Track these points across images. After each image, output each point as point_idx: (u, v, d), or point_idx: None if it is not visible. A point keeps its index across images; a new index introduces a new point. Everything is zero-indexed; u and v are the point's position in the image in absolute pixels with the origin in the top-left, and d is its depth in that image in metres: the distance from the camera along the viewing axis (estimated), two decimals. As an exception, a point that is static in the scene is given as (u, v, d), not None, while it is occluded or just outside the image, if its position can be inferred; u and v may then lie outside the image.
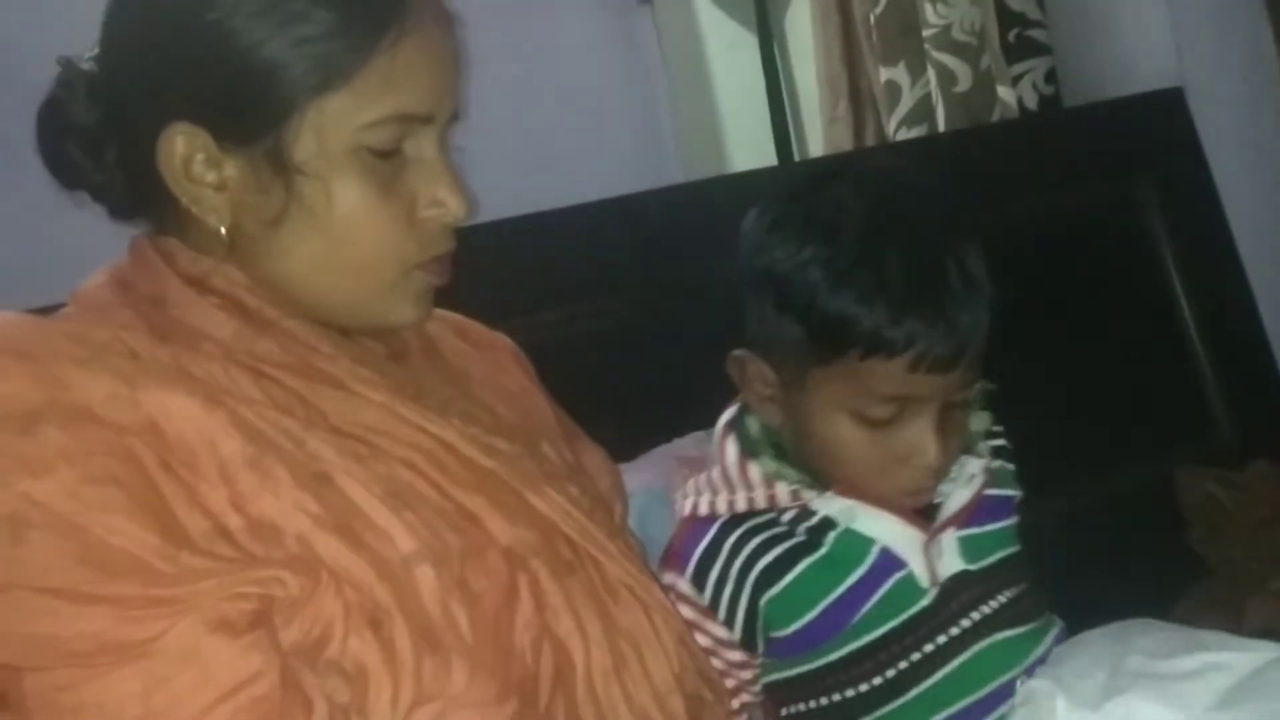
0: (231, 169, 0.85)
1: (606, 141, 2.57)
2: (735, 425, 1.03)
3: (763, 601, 0.98)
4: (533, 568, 0.87)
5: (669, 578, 1.02)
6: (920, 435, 0.93)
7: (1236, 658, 0.93)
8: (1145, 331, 1.69)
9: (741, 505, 0.99)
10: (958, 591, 0.98)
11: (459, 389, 0.98)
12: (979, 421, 1.03)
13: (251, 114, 0.84)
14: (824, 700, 0.99)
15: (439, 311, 1.09)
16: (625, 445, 1.15)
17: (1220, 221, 1.78)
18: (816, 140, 2.37)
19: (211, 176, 0.85)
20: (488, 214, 1.37)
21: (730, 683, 1.01)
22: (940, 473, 0.96)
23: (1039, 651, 1.00)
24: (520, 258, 1.35)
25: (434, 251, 0.90)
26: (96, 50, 0.89)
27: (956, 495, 0.99)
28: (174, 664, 0.74)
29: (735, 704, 1.02)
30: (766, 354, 0.97)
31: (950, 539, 0.99)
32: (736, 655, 1.01)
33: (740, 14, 2.59)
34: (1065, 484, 1.53)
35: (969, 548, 0.99)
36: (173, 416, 0.79)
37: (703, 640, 1.00)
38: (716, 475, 1.01)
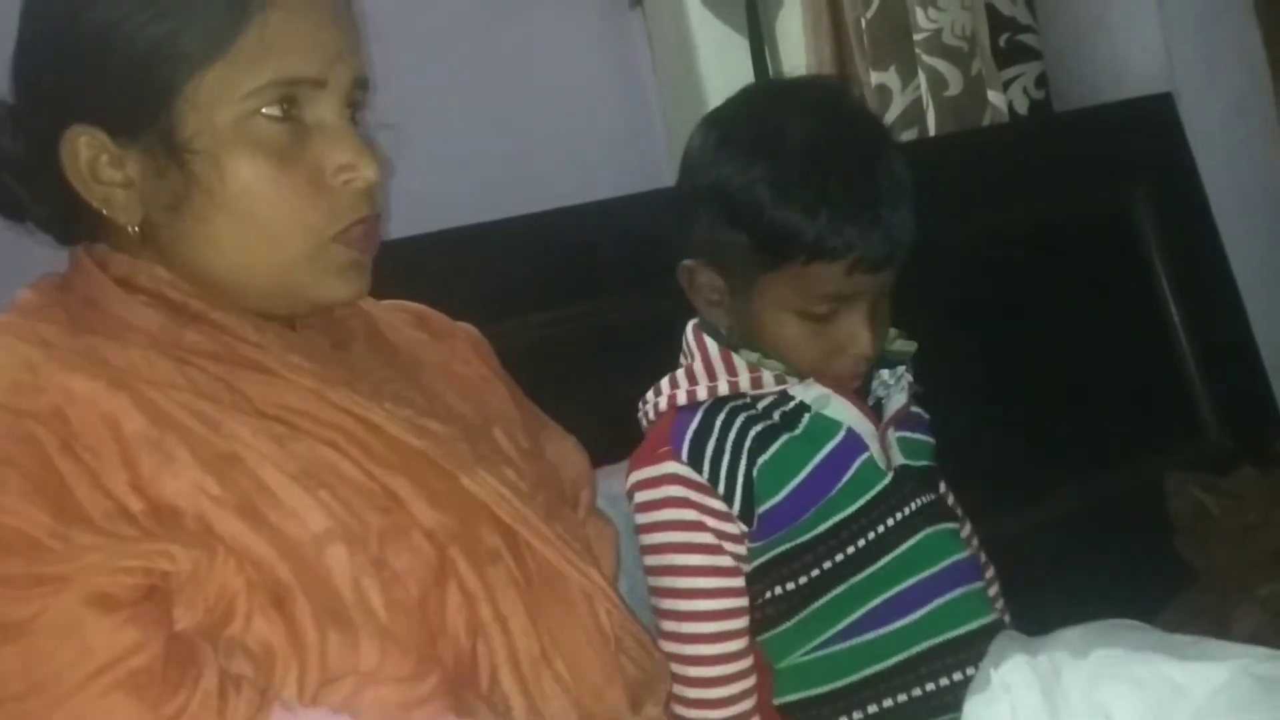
0: (132, 164, 0.86)
1: (597, 143, 2.56)
2: (705, 327, 1.11)
3: (756, 468, 1.06)
4: (451, 554, 0.87)
5: (655, 469, 1.07)
6: (855, 326, 1.05)
7: (1198, 676, 0.97)
8: (1134, 336, 1.69)
9: (724, 389, 1.08)
10: (904, 480, 1.10)
11: (404, 375, 0.99)
12: (908, 346, 1.14)
13: (137, 103, 0.85)
14: (800, 579, 1.07)
15: (399, 302, 1.10)
16: (614, 446, 1.15)
17: (1209, 226, 1.79)
18: (807, 143, 2.37)
19: (118, 175, 0.86)
20: (479, 215, 1.38)
21: (726, 561, 1.06)
22: (871, 358, 1.07)
23: (968, 550, 1.13)
24: (511, 259, 1.35)
25: (347, 219, 0.88)
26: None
27: (894, 398, 1.12)
28: (53, 638, 0.76)
29: (738, 583, 1.06)
30: (714, 263, 1.07)
31: (893, 435, 1.11)
32: (733, 528, 1.06)
33: (731, 16, 2.59)
34: (1054, 488, 1.53)
35: (906, 448, 1.12)
36: (76, 400, 0.81)
37: (703, 518, 1.06)
38: (698, 367, 1.10)
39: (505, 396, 1.08)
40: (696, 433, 1.07)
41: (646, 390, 1.13)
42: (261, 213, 0.86)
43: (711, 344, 1.09)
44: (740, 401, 1.08)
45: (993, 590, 1.21)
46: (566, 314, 1.32)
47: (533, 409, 1.10)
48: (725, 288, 1.07)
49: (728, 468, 1.05)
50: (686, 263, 1.08)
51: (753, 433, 1.06)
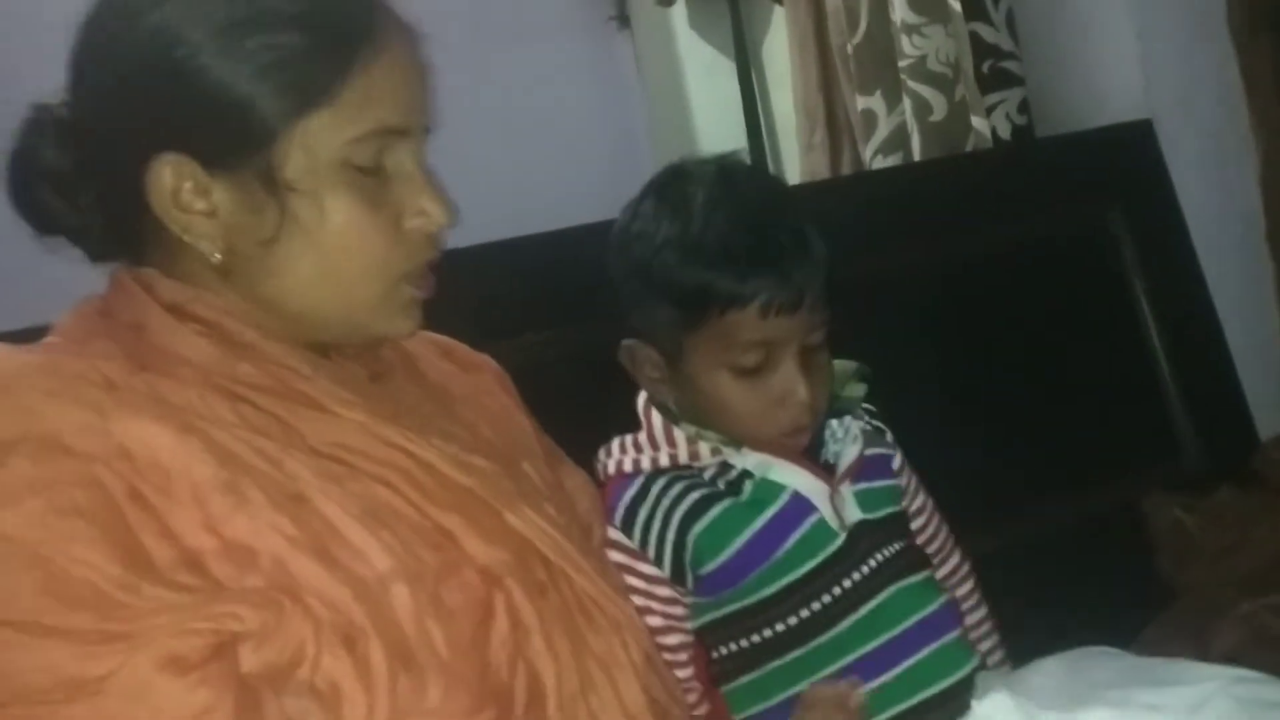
0: (221, 194, 0.87)
1: (586, 165, 2.58)
2: (653, 402, 1.14)
3: (690, 536, 1.08)
4: (507, 586, 0.88)
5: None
6: (788, 376, 1.07)
7: (1176, 699, 0.98)
8: (1114, 358, 1.70)
9: (665, 461, 1.11)
10: (861, 537, 1.10)
11: (440, 407, 1.00)
12: (855, 389, 1.16)
13: (235, 141, 0.86)
14: (753, 638, 1.09)
15: (424, 334, 1.10)
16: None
17: (1187, 250, 1.81)
18: (794, 167, 2.39)
19: (201, 204, 0.87)
20: (470, 238, 1.39)
21: (658, 621, 1.08)
22: (814, 410, 1.08)
23: (940, 601, 1.12)
24: (502, 281, 1.36)
25: (420, 259, 0.92)
26: (65, 94, 0.90)
27: (846, 452, 1.13)
28: (124, 702, 0.75)
29: (672, 640, 1.09)
30: (650, 339, 1.10)
31: (848, 491, 1.11)
32: (665, 591, 1.10)
33: (718, 40, 2.62)
34: (1033, 508, 1.55)
35: (864, 499, 1.12)
36: (145, 444, 0.80)
37: (633, 581, 1.08)
38: (642, 438, 1.12)
39: (528, 429, 1.09)
40: (631, 500, 1.10)
41: (634, 413, 1.14)
42: (355, 251, 0.89)
43: (657, 417, 1.12)
44: (682, 472, 1.11)
45: (977, 616, 1.21)
46: (555, 336, 1.33)
47: (549, 442, 1.12)
48: (662, 361, 1.10)
49: (658, 534, 1.08)
50: (626, 342, 1.12)
51: (689, 499, 1.09)
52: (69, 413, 0.80)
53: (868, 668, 1.07)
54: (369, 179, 0.89)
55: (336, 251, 0.88)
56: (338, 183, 0.87)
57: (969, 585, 1.23)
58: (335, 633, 0.80)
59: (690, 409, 1.11)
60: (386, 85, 0.88)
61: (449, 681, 0.82)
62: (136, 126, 0.87)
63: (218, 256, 0.88)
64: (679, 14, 2.70)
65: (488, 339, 1.16)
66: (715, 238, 1.05)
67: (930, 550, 1.20)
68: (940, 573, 1.19)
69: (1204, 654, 1.38)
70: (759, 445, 1.09)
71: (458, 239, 1.37)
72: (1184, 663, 1.08)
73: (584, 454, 1.14)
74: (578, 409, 1.21)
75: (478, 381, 1.09)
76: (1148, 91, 1.85)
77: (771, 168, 2.44)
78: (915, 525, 1.19)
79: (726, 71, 2.53)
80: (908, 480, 1.21)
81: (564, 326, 1.33)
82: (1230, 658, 1.36)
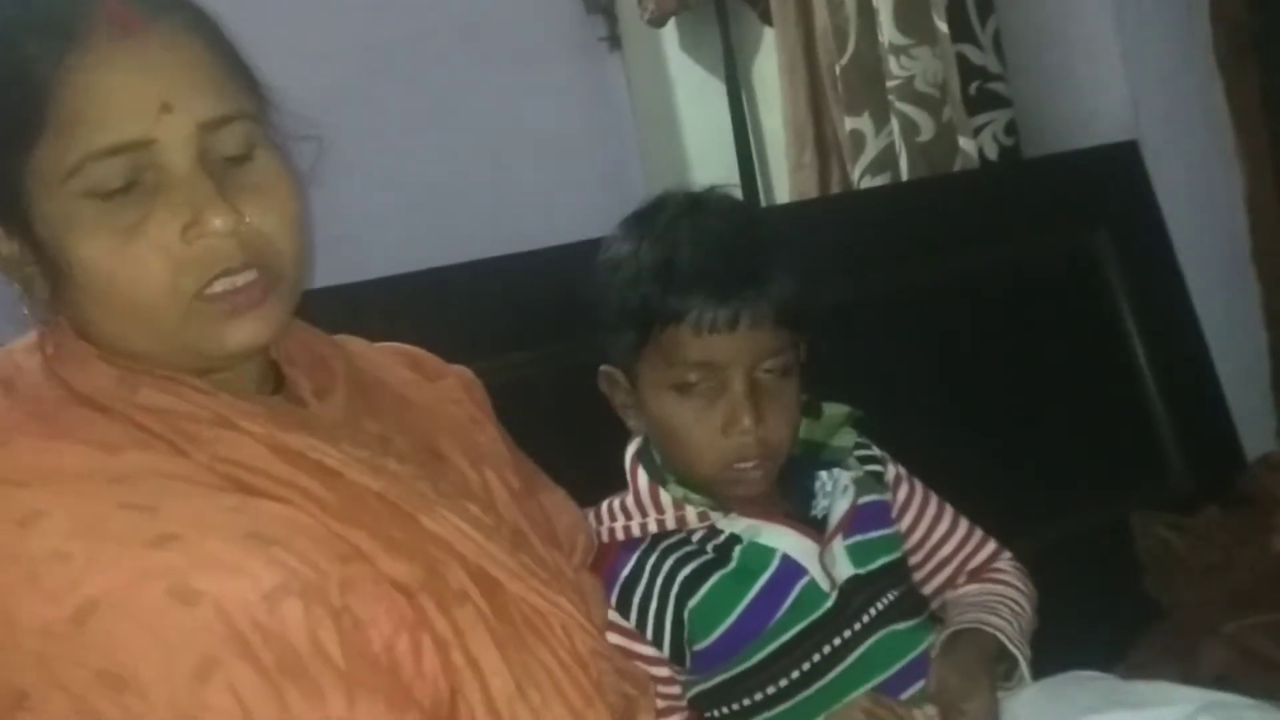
0: (7, 244, 0.85)
1: (576, 185, 2.59)
2: (641, 456, 1.14)
3: (686, 611, 1.08)
4: (420, 602, 0.87)
5: None
6: (732, 402, 1.06)
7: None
8: (1100, 379, 1.71)
9: (654, 527, 1.10)
10: (853, 593, 1.10)
11: (389, 417, 0.98)
12: (845, 438, 1.16)
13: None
14: (744, 701, 1.09)
15: (394, 345, 1.10)
16: (594, 487, 1.16)
17: (1174, 270, 1.81)
18: (783, 186, 2.40)
19: (10, 253, 0.85)
20: (460, 255, 1.39)
21: (660, 704, 1.07)
22: (764, 443, 1.06)
23: (928, 640, 1.12)
24: (492, 299, 1.36)
25: (203, 276, 0.84)
26: None
27: (837, 506, 1.11)
28: None
29: None
30: (619, 364, 1.12)
31: (839, 547, 1.10)
32: (664, 671, 1.09)
33: (708, 61, 2.63)
34: (1020, 528, 1.54)
35: (857, 553, 1.11)
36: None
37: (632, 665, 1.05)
38: (630, 502, 1.12)
39: (496, 437, 1.08)
40: (627, 580, 1.09)
41: (621, 431, 1.15)
42: (113, 290, 0.83)
43: (643, 478, 1.12)
44: (673, 539, 1.10)
45: (992, 588, 1.18)
46: (544, 354, 1.33)
47: (524, 458, 1.11)
48: (629, 386, 1.12)
49: (655, 614, 1.08)
50: (603, 368, 1.14)
51: (682, 575, 1.08)
52: None
53: None
54: (120, 207, 0.81)
55: (99, 293, 0.83)
56: (72, 222, 0.81)
57: (1005, 569, 1.21)
58: (184, 670, 0.79)
59: (652, 436, 1.12)
60: (95, 101, 0.79)
61: (351, 690, 0.81)
62: None
63: (44, 302, 0.86)
64: (669, 35, 2.72)
65: (475, 357, 1.17)
66: (661, 256, 1.06)
67: (952, 551, 1.20)
68: (973, 565, 1.19)
69: (1191, 673, 1.38)
70: (748, 510, 1.09)
71: (448, 256, 1.39)
72: (1165, 685, 1.09)
73: (569, 471, 1.14)
74: (563, 426, 1.22)
75: (442, 388, 1.08)
76: (1134, 113, 1.86)
77: (761, 187, 2.45)
78: (929, 536, 1.19)
79: (716, 92, 2.55)
80: (908, 492, 1.20)
81: (551, 345, 1.33)
82: (1218, 677, 1.36)
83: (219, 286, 0.84)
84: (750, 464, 1.07)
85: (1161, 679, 1.16)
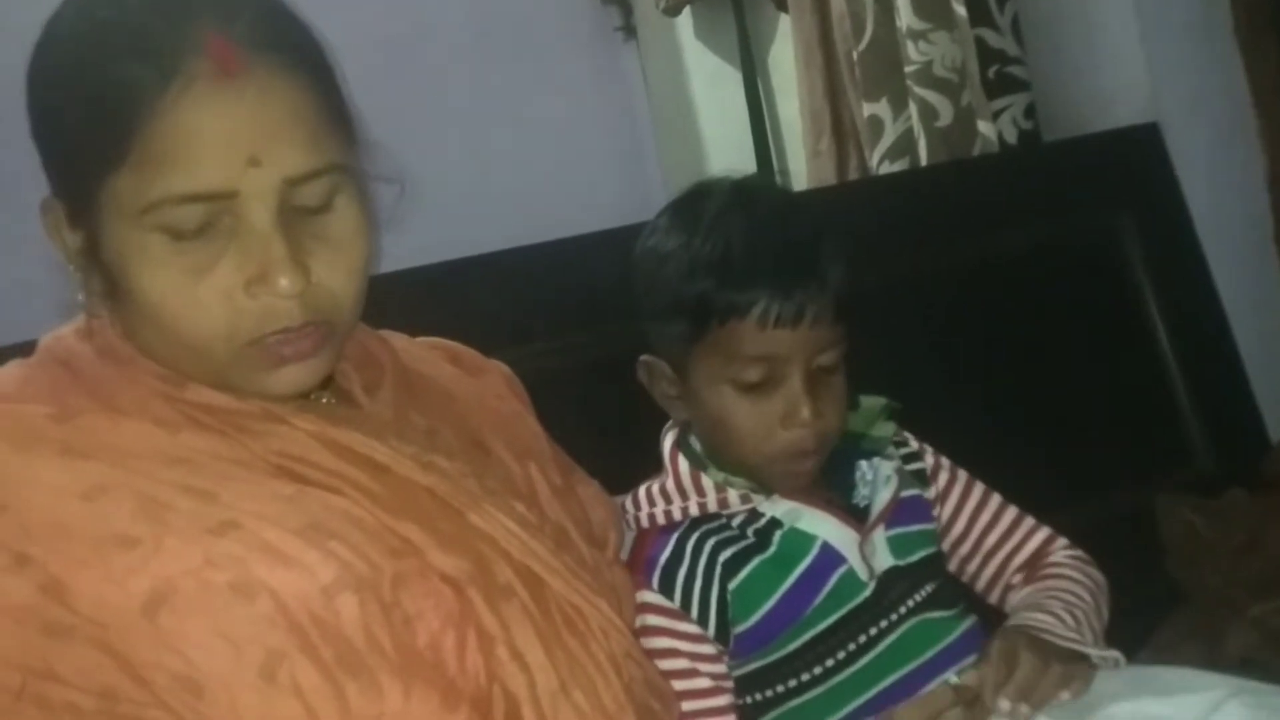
0: (75, 243, 0.86)
1: (593, 174, 2.60)
2: (681, 445, 1.12)
3: (729, 592, 1.07)
4: (469, 596, 0.87)
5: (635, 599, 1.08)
6: (791, 394, 1.04)
7: (1184, 709, 0.98)
8: (1124, 362, 1.70)
9: (695, 510, 1.09)
10: (890, 584, 1.09)
11: (435, 411, 0.99)
12: (884, 429, 1.14)
13: (70, 193, 0.84)
14: (778, 688, 1.09)
15: (433, 339, 1.11)
16: (619, 476, 1.16)
17: (1196, 253, 1.80)
18: (800, 173, 2.40)
19: (68, 242, 0.86)
20: (478, 247, 1.40)
21: (705, 682, 1.07)
22: (819, 435, 1.06)
23: (961, 629, 1.11)
24: (510, 289, 1.37)
25: (258, 331, 0.84)
26: None
27: (879, 497, 1.11)
28: None
29: (721, 701, 1.08)
30: (663, 353, 1.10)
31: (880, 537, 1.10)
32: (709, 649, 1.08)
33: (724, 49, 2.63)
34: (1045, 512, 1.54)
35: (897, 545, 1.10)
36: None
37: (675, 644, 1.06)
38: (670, 485, 1.11)
39: (538, 432, 1.09)
40: (668, 561, 1.08)
41: (642, 420, 1.14)
42: (167, 324, 0.83)
43: (684, 463, 1.11)
44: (713, 523, 1.09)
45: (1044, 570, 1.16)
46: (563, 344, 1.34)
47: (561, 453, 1.11)
48: (675, 377, 1.09)
49: (700, 592, 1.07)
50: (643, 358, 1.11)
51: (723, 557, 1.07)
52: None
53: (887, 698, 1.06)
54: (193, 243, 0.81)
55: (153, 320, 0.84)
56: (142, 253, 0.81)
57: (1060, 561, 1.18)
58: (251, 666, 0.80)
59: (701, 428, 1.10)
60: (182, 145, 0.78)
61: (407, 681, 0.82)
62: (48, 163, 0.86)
63: (95, 296, 0.87)
64: (684, 24, 2.72)
65: (496, 346, 1.17)
66: (717, 249, 1.04)
67: (997, 541, 1.17)
68: (1022, 556, 1.16)
69: (1216, 656, 1.38)
70: (785, 491, 1.08)
71: (467, 248, 1.39)
72: (1192, 671, 1.08)
73: (597, 461, 1.14)
74: (587, 415, 1.22)
75: (485, 384, 1.09)
76: (1154, 95, 1.85)
77: (778, 175, 2.45)
78: (972, 525, 1.17)
79: (732, 80, 2.54)
80: (948, 480, 1.18)
81: (573, 334, 1.34)
82: (1243, 660, 1.36)
83: (273, 339, 0.84)
84: (806, 455, 1.07)
85: (1186, 662, 1.15)
